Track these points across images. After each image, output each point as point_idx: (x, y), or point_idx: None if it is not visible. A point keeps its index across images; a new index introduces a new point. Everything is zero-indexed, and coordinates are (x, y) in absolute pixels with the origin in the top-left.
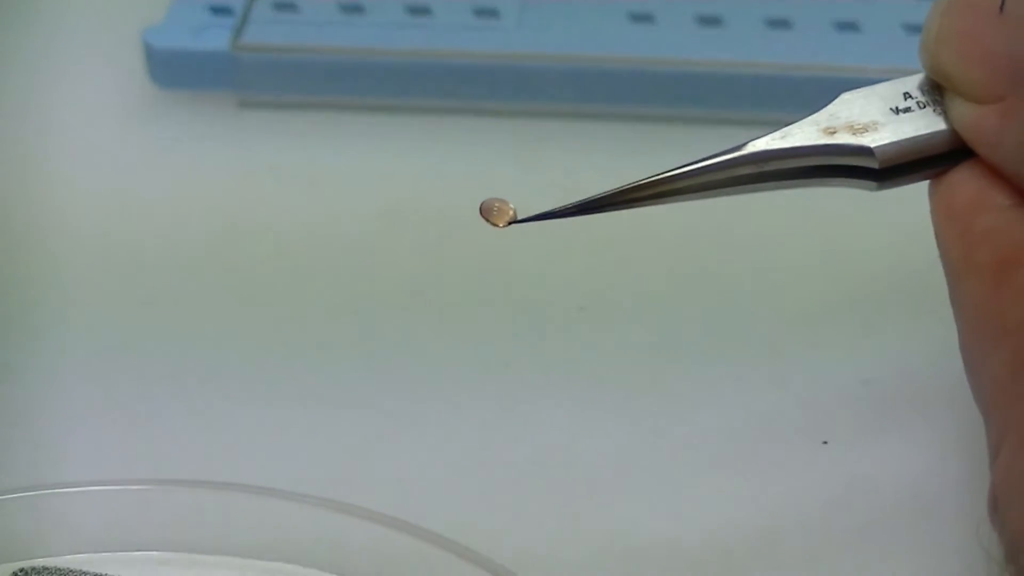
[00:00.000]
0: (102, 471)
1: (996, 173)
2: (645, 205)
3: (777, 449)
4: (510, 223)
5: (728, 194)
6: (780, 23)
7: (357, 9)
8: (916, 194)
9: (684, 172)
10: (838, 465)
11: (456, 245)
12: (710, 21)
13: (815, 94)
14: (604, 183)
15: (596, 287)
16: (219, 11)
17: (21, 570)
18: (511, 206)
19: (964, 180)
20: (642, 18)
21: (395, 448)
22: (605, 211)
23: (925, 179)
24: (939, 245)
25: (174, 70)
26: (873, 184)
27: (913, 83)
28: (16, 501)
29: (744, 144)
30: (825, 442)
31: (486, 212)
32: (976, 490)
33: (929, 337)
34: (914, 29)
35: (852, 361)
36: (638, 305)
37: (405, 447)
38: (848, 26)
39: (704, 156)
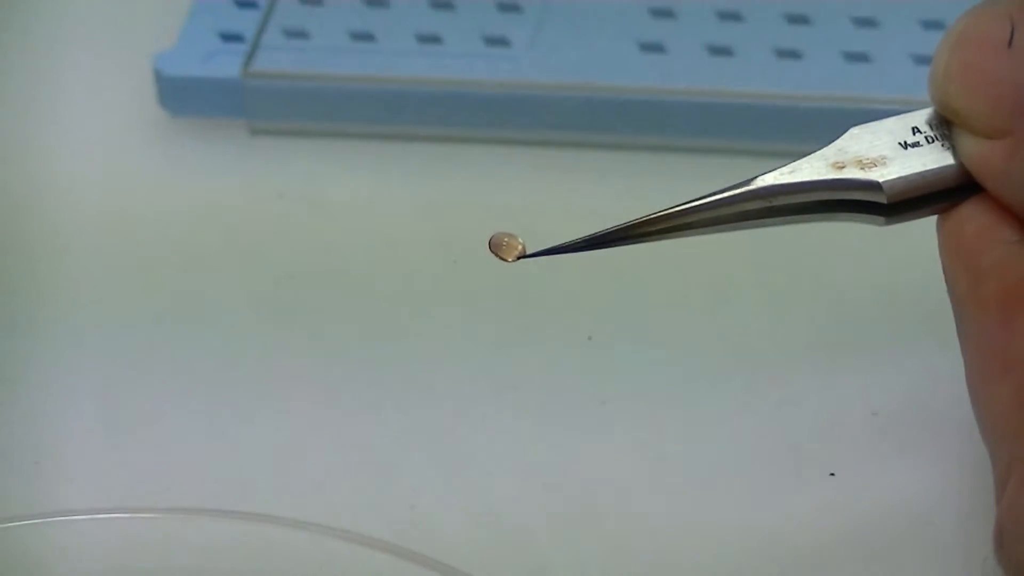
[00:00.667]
0: (107, 497)
1: (1004, 208)
2: (654, 240)
3: (784, 480)
4: (519, 258)
5: (737, 229)
6: (790, 53)
7: (368, 36)
8: (926, 226)
9: (693, 207)
10: (845, 496)
11: (463, 273)
12: (720, 51)
13: (825, 124)
14: (614, 211)
15: (603, 316)
16: (230, 38)
17: None
18: (520, 240)
19: (971, 215)
20: (652, 48)
21: (401, 473)
22: (614, 246)
23: (933, 214)
24: (946, 279)
25: (184, 97)
26: (881, 219)
27: (921, 118)
28: (21, 529)
29: (753, 179)
30: (832, 474)
31: (495, 247)
32: (982, 524)
33: (938, 369)
34: (923, 60)
35: (861, 392)
36: (645, 334)
37: (410, 473)
38: (858, 57)
39: (713, 191)
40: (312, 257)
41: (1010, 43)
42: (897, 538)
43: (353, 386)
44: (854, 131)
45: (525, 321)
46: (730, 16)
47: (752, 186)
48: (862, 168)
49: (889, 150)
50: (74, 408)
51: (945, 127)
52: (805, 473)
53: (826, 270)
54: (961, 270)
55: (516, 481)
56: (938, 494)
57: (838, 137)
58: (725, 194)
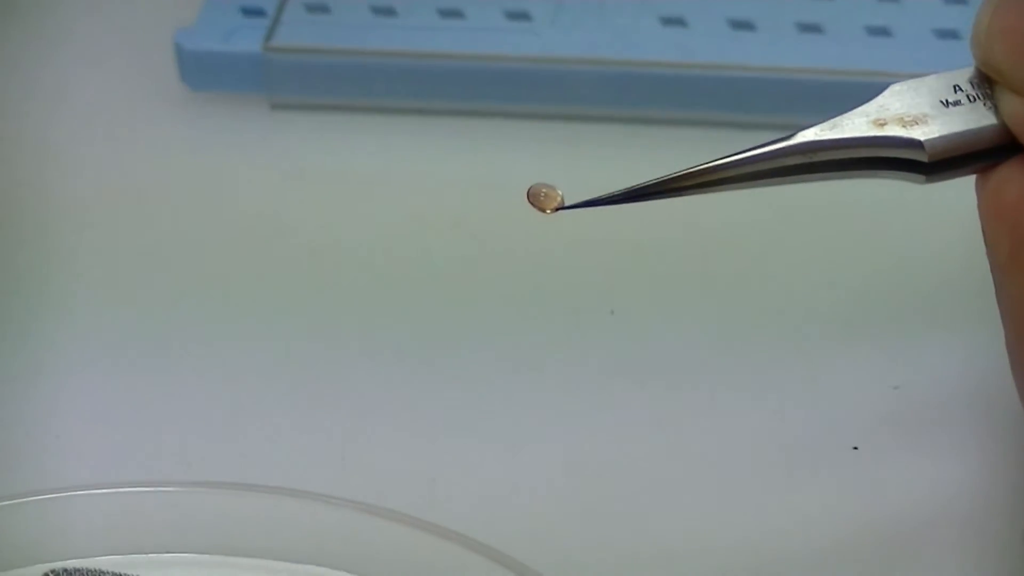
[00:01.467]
0: (130, 472)
1: None
2: (692, 193)
3: (807, 452)
4: (557, 209)
5: (776, 184)
6: (812, 28)
7: (389, 11)
8: (953, 199)
9: (733, 161)
10: (868, 470)
11: (486, 247)
12: (742, 25)
13: (847, 98)
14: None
15: (627, 291)
16: (251, 12)
17: (52, 571)
18: (559, 192)
19: (1013, 176)
20: (674, 21)
21: (425, 449)
22: (652, 199)
23: (974, 173)
24: (986, 241)
25: (205, 72)
26: (922, 178)
27: (963, 76)
28: (46, 503)
29: (793, 134)
30: (856, 447)
31: (533, 197)
32: (1011, 494)
33: (959, 344)
34: (945, 34)
35: (883, 366)
36: (669, 309)
37: (435, 449)
38: (880, 31)
39: (753, 145)
40: (333, 231)
41: None
42: (925, 512)
43: (374, 361)
44: (895, 87)
45: (547, 295)
46: None
47: (793, 141)
48: (903, 126)
49: (930, 108)
50: (96, 383)
51: (987, 86)
52: (828, 445)
53: (851, 244)
54: (1001, 233)
55: (537, 455)
56: (963, 466)
57: (880, 95)
58: (765, 148)
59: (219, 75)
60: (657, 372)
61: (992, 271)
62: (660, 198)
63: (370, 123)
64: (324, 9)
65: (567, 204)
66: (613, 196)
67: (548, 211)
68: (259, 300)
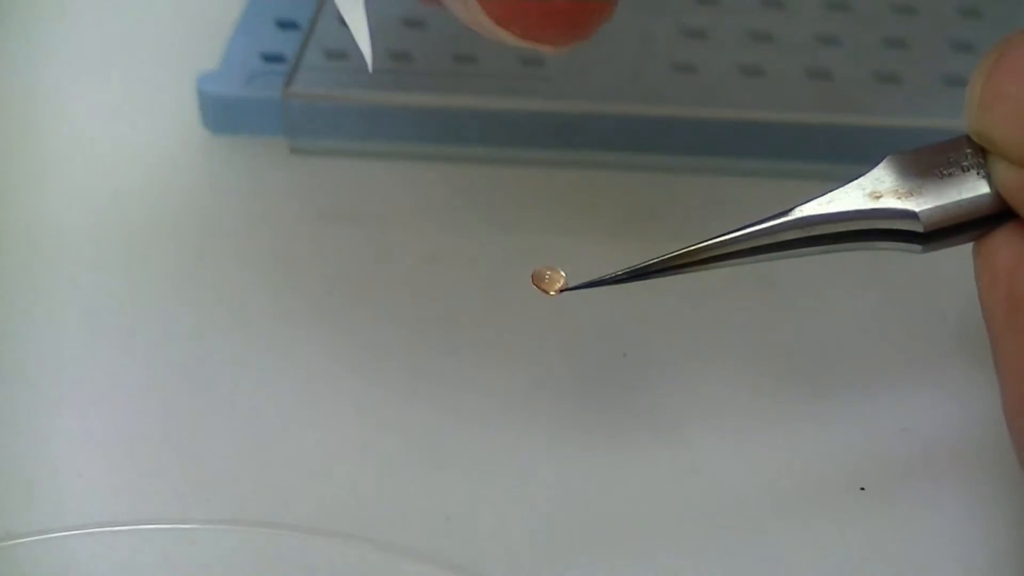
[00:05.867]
0: (150, 508)
1: None
2: (694, 270)
3: (815, 493)
4: (562, 291)
5: (776, 258)
6: (821, 74)
7: (405, 56)
8: (963, 247)
9: (733, 238)
10: (876, 510)
11: (499, 290)
12: (752, 71)
13: (858, 146)
14: (652, 233)
15: (638, 333)
16: (271, 59)
17: None
18: (562, 273)
19: (1007, 243)
20: (685, 68)
21: (436, 488)
22: (654, 277)
23: (970, 241)
24: (982, 306)
25: (226, 116)
26: (918, 247)
27: (957, 146)
28: (68, 539)
29: (791, 209)
30: (863, 488)
31: (537, 279)
32: (1011, 541)
33: (968, 389)
34: (954, 82)
35: (892, 409)
36: (679, 351)
37: (445, 487)
38: (889, 78)
39: (751, 222)
40: (349, 272)
41: None
42: (927, 551)
43: (388, 400)
44: (889, 159)
45: (561, 337)
46: (763, 37)
47: (790, 216)
48: (898, 198)
49: (925, 179)
50: (117, 419)
51: (980, 155)
52: (836, 486)
53: (861, 288)
54: (996, 299)
55: (551, 495)
56: (967, 510)
57: (874, 166)
58: (764, 224)
59: (240, 119)
60: (667, 413)
61: (988, 334)
62: (662, 276)
63: (387, 167)
64: (343, 55)
65: (571, 285)
66: (617, 276)
67: (552, 293)
68: (273, 337)
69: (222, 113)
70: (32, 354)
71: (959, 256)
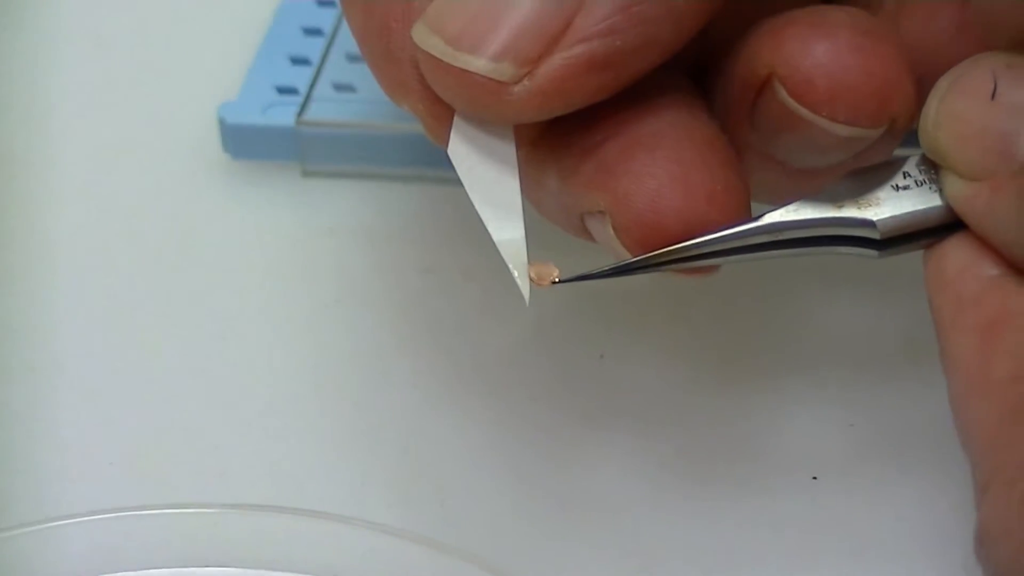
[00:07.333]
0: (165, 493)
1: (985, 244)
2: (673, 268)
3: (773, 481)
4: (554, 283)
5: (746, 260)
6: None
7: None
8: (912, 257)
9: (708, 240)
10: (827, 497)
11: (489, 298)
12: None
13: None
14: None
15: (615, 335)
16: (285, 91)
17: None
18: (554, 267)
19: (956, 250)
20: None
21: (431, 475)
22: (637, 273)
23: (922, 248)
24: (931, 308)
25: (244, 142)
26: (874, 253)
27: (912, 163)
28: (93, 522)
29: (761, 215)
30: (815, 477)
31: (531, 272)
32: (957, 526)
33: (910, 389)
34: None
35: (841, 406)
36: (654, 352)
37: (443, 476)
38: None
39: (725, 227)
40: (355, 282)
41: (993, 95)
42: (879, 539)
43: (390, 396)
44: (851, 173)
45: (540, 338)
46: None
47: (761, 222)
48: (859, 208)
49: (882, 192)
50: (140, 415)
51: (933, 171)
52: (791, 476)
53: (817, 299)
54: (945, 301)
55: (534, 487)
56: (913, 498)
57: (839, 180)
58: (738, 228)
59: (257, 145)
60: (639, 411)
61: (937, 333)
62: (645, 272)
63: (393, 189)
64: (350, 88)
65: (562, 278)
66: (603, 271)
67: (545, 285)
68: (282, 343)
69: (241, 140)
70: (65, 353)
71: (909, 261)
